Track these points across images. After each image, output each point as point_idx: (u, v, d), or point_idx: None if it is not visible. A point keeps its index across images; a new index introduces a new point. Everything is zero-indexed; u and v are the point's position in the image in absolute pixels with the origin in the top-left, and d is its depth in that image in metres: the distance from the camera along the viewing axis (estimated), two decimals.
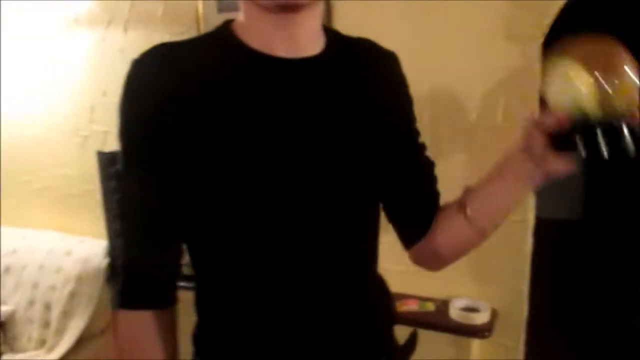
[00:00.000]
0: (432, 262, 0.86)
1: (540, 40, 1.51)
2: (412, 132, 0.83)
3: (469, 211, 0.77)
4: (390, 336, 0.85)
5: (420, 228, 0.82)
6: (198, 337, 0.80)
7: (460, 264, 1.66)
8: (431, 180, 0.84)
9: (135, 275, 0.71)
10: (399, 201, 0.82)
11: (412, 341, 0.88)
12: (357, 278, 0.79)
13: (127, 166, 0.70)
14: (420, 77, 1.60)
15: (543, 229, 1.75)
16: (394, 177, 0.79)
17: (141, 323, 0.71)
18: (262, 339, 0.73)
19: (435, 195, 0.84)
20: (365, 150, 0.73)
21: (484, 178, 0.77)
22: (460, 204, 0.78)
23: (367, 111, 0.74)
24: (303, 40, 0.69)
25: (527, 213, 1.61)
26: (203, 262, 0.75)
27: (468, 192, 0.78)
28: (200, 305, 0.79)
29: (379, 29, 1.60)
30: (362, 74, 0.75)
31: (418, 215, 0.82)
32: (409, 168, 0.81)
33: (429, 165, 0.84)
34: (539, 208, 1.66)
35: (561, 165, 0.69)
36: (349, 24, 1.69)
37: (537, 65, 1.52)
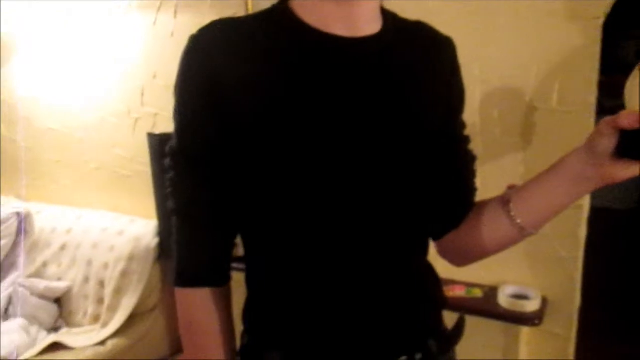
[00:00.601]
0: (457, 256, 0.85)
1: (602, 20, 1.44)
2: (458, 123, 0.81)
3: (512, 208, 0.72)
4: (439, 321, 0.83)
5: (451, 221, 0.80)
6: (248, 315, 0.80)
7: (511, 250, 1.64)
8: (469, 174, 0.82)
9: (190, 256, 0.73)
10: (433, 191, 0.79)
11: (459, 326, 0.85)
12: (406, 263, 0.78)
13: (181, 144, 0.69)
14: (472, 58, 1.58)
15: (597, 218, 1.69)
16: (434, 165, 0.77)
17: (199, 300, 0.73)
18: (311, 318, 0.74)
19: (471, 189, 0.82)
20: (418, 135, 0.73)
21: (536, 177, 0.72)
22: (504, 201, 0.73)
23: (421, 95, 0.74)
24: (362, 19, 0.68)
25: (583, 200, 1.55)
26: (255, 241, 0.75)
27: (513, 189, 0.74)
28: (251, 283, 0.79)
29: (429, 9, 1.57)
30: (418, 58, 0.74)
31: (450, 208, 0.80)
32: (448, 158, 0.78)
33: (470, 158, 0.82)
34: (594, 197, 1.60)
35: (624, 172, 0.62)
36: (399, 7, 1.66)
37: (597, 47, 1.46)
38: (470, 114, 1.59)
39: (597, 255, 1.73)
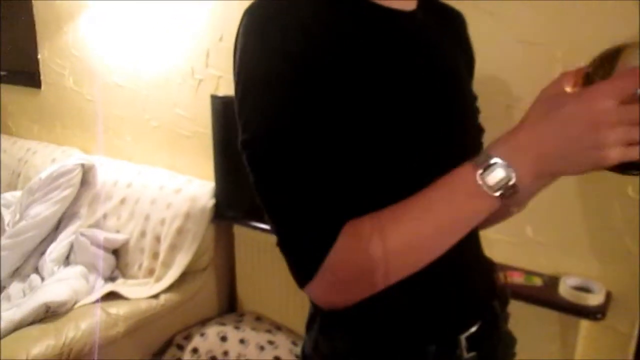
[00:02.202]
0: None
1: None
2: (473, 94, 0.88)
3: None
4: (496, 285, 0.86)
5: None
6: None
7: (575, 240, 1.59)
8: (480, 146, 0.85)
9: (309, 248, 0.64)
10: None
11: (505, 289, 0.88)
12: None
13: (279, 127, 0.61)
14: (554, 40, 1.50)
15: None
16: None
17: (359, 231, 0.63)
18: (392, 291, 0.72)
19: None
20: (469, 97, 0.83)
21: None
22: None
23: (458, 63, 0.82)
24: None
25: None
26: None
27: None
28: None
29: None
30: (444, 30, 0.81)
31: None
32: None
33: (481, 131, 0.87)
34: None
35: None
36: None
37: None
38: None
39: None
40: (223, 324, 2.11)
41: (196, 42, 2.20)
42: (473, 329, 0.76)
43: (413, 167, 0.68)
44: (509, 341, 0.89)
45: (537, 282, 1.57)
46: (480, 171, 0.57)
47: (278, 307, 2.15)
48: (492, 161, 0.56)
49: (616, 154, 0.53)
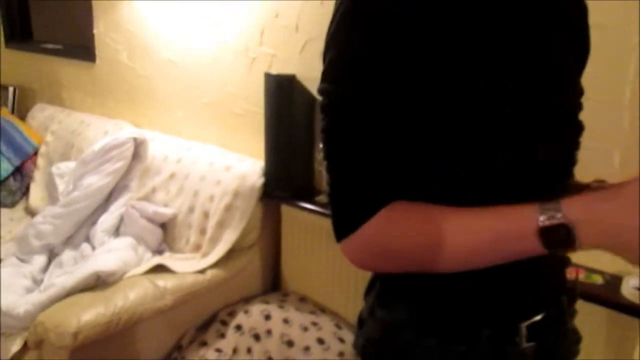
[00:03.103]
0: None
1: None
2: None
3: None
4: (566, 279, 0.84)
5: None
6: None
7: None
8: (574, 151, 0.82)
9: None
10: None
11: (575, 283, 0.86)
12: None
13: (359, 89, 0.63)
14: (622, 29, 1.41)
15: None
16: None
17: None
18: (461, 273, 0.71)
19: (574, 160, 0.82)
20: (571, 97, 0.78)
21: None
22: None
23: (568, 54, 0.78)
24: None
25: None
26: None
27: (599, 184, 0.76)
28: None
29: None
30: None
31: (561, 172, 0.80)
32: None
33: (579, 127, 0.83)
34: None
35: None
36: None
37: None
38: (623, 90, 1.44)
39: None
40: (267, 302, 2.12)
41: (251, 19, 2.18)
42: (536, 319, 0.75)
43: (487, 169, 0.67)
44: (574, 337, 0.87)
45: (598, 280, 1.51)
46: (543, 221, 0.57)
47: (322, 289, 2.14)
48: (559, 223, 0.56)
49: None
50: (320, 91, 0.67)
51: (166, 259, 2.11)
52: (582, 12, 0.80)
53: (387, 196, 0.63)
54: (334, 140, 0.66)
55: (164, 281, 1.97)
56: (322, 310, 2.09)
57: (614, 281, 1.50)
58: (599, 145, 1.45)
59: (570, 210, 0.56)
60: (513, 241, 0.60)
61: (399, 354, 0.76)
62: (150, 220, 2.24)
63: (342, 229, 0.66)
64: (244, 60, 2.25)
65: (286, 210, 2.19)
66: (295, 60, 2.06)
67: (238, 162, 2.18)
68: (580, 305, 1.48)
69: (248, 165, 2.15)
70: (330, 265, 2.04)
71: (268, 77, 1.97)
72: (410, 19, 0.60)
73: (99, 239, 2.22)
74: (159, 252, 2.24)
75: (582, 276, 1.51)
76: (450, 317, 0.73)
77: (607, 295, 1.46)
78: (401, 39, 0.61)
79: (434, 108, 0.63)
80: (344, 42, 0.65)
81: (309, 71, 2.01)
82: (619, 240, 0.56)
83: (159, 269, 2.04)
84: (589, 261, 1.57)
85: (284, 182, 2.06)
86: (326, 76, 0.66)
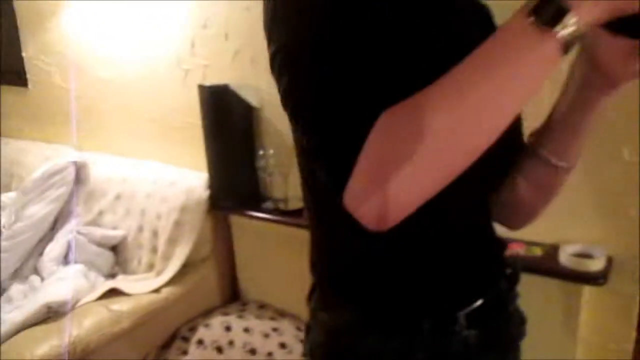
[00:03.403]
0: (509, 216, 0.84)
1: None
2: None
3: (540, 149, 0.72)
4: (504, 262, 0.85)
5: (506, 167, 0.79)
6: (321, 266, 0.79)
7: (573, 207, 1.58)
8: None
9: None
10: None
11: (516, 266, 0.86)
12: (482, 212, 0.80)
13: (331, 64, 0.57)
14: None
15: None
16: None
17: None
18: (397, 267, 0.72)
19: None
20: None
21: (550, 112, 0.71)
22: (532, 146, 0.73)
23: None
24: None
25: None
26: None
27: (536, 135, 0.74)
28: (326, 233, 0.77)
29: None
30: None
31: (506, 153, 0.76)
32: None
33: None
34: None
35: (624, 68, 0.58)
36: None
37: None
38: None
39: None
40: (227, 314, 2.11)
41: (180, 31, 2.16)
42: (474, 306, 0.75)
43: None
44: (517, 320, 0.87)
45: (538, 252, 1.57)
46: (531, 7, 0.47)
47: (281, 294, 2.15)
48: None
49: None
50: (274, 53, 0.60)
51: (120, 282, 2.08)
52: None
53: (370, 119, 0.54)
54: (300, 94, 0.60)
55: (119, 305, 1.93)
56: (282, 315, 2.09)
57: (553, 251, 1.56)
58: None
59: None
60: (517, 45, 0.49)
61: (344, 355, 0.77)
62: (100, 244, 2.19)
63: (341, 178, 0.55)
64: (178, 73, 2.23)
65: (235, 219, 2.19)
66: (228, 69, 2.06)
67: (182, 176, 2.16)
68: (524, 278, 1.55)
69: (192, 178, 2.13)
70: (286, 270, 2.04)
71: (202, 88, 1.96)
72: None
73: (47, 269, 2.17)
74: (111, 275, 2.20)
75: (522, 250, 1.57)
76: (390, 313, 0.74)
77: (548, 265, 1.52)
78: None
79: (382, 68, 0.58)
80: (290, 18, 0.60)
81: (243, 79, 2.01)
82: None
83: (114, 293, 2.00)
84: (528, 234, 1.63)
85: (229, 192, 2.05)
86: (280, 33, 0.60)
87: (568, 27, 0.46)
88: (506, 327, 0.83)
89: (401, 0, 0.63)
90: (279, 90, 0.62)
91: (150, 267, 2.15)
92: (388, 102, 0.53)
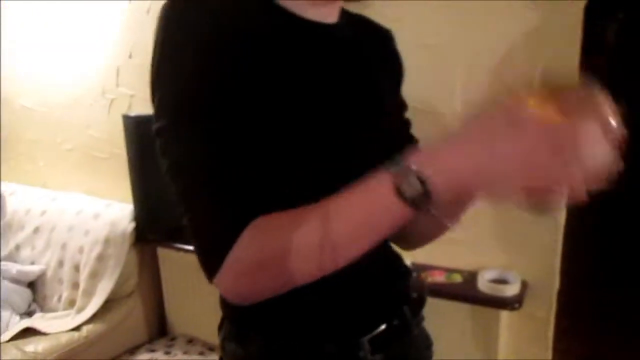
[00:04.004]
0: (403, 243, 0.89)
1: (584, 2, 1.42)
2: (402, 106, 0.88)
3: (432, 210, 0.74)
4: (408, 288, 0.86)
5: None
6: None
7: (490, 235, 1.65)
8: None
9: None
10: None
11: (422, 290, 0.88)
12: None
13: (195, 113, 0.60)
14: (453, 44, 1.55)
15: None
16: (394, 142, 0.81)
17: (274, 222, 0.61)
18: (298, 298, 0.72)
19: None
20: (387, 112, 0.82)
21: None
22: None
23: (383, 76, 0.82)
24: (336, 11, 0.74)
25: None
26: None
27: None
28: None
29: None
30: (371, 45, 0.82)
31: None
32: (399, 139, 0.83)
33: (412, 141, 0.87)
34: None
35: None
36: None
37: (579, 29, 1.44)
38: (452, 102, 1.57)
39: (575, 238, 1.73)
40: (153, 350, 2.04)
41: (106, 60, 2.12)
42: (377, 331, 0.77)
43: (327, 174, 0.67)
44: (423, 344, 0.89)
45: (458, 278, 1.62)
46: (397, 186, 0.54)
47: (210, 328, 2.07)
48: (410, 173, 0.53)
49: (556, 198, 0.50)
50: (157, 131, 0.62)
51: (36, 321, 1.97)
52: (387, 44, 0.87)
53: (246, 216, 0.59)
54: (181, 176, 0.62)
55: (33, 345, 1.83)
56: (211, 349, 2.04)
57: (472, 277, 1.62)
58: None
59: (413, 159, 0.54)
60: (382, 210, 0.56)
61: None
62: (15, 281, 2.08)
63: (211, 266, 0.60)
64: (103, 102, 2.18)
65: (163, 252, 2.14)
66: None
67: (106, 208, 2.10)
68: (445, 304, 1.59)
69: (117, 210, 2.07)
70: (215, 302, 1.98)
71: (126, 118, 1.93)
72: (229, 45, 0.61)
73: None
74: (28, 314, 2.08)
75: (442, 277, 1.61)
76: (295, 340, 0.75)
77: (467, 291, 1.57)
78: (223, 63, 0.60)
79: (268, 127, 0.63)
80: (170, 74, 0.62)
81: None
82: (501, 174, 0.51)
83: (29, 332, 1.90)
84: (447, 261, 1.69)
85: (156, 224, 2.00)
86: (159, 113, 0.62)
87: (423, 202, 0.54)
88: (411, 351, 0.85)
89: (285, 69, 0.66)
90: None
91: (71, 303, 2.05)
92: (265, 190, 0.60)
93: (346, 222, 0.58)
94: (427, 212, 0.55)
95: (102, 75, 2.15)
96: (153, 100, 0.64)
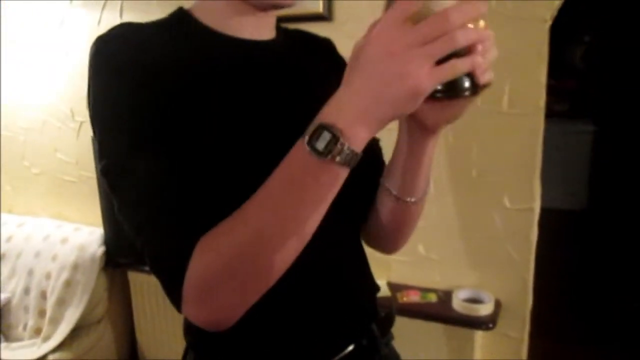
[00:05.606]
0: (379, 241, 0.88)
1: (549, 23, 1.46)
2: None
3: (385, 182, 0.76)
4: (376, 306, 0.86)
5: (365, 208, 0.83)
6: (191, 329, 0.77)
7: (464, 254, 1.66)
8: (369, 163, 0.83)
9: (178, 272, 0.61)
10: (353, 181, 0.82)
11: (391, 308, 0.88)
12: (346, 251, 0.81)
13: (135, 148, 0.61)
14: None
15: (548, 220, 1.71)
16: None
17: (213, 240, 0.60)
18: (262, 323, 0.71)
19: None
20: None
21: (392, 153, 0.75)
22: (385, 188, 0.77)
23: (324, 90, 0.79)
24: (269, 25, 0.75)
25: (533, 202, 1.56)
26: None
27: (385, 173, 0.78)
28: None
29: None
30: (310, 58, 0.82)
31: (366, 195, 0.82)
32: None
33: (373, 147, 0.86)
34: (544, 198, 1.62)
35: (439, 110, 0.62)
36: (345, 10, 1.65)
37: (546, 50, 1.47)
38: None
39: (548, 256, 1.75)
40: None
41: (74, 82, 2.09)
42: (346, 352, 0.76)
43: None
44: None
45: (432, 298, 1.61)
46: (307, 140, 0.52)
47: (181, 353, 2.05)
48: (316, 127, 0.52)
49: (427, 77, 0.49)
50: (102, 171, 0.63)
51: (1, 351, 1.89)
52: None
53: (191, 243, 0.59)
54: (129, 213, 0.62)
55: None
56: None
57: (447, 296, 1.62)
58: None
59: (321, 115, 0.54)
60: (303, 178, 0.55)
61: None
62: None
63: (174, 297, 0.61)
64: (72, 125, 2.14)
65: (134, 276, 2.09)
66: None
67: (75, 232, 2.05)
68: (420, 324, 1.59)
69: (86, 234, 2.02)
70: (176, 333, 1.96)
71: (95, 141, 1.89)
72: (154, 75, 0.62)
73: None
74: None
75: (417, 297, 1.61)
76: None
77: (441, 311, 1.57)
78: (149, 92, 0.61)
79: (207, 150, 0.63)
80: (106, 117, 0.63)
81: None
82: (376, 100, 0.51)
83: None
84: (422, 281, 1.69)
85: (126, 248, 1.96)
86: (102, 154, 0.63)
87: (343, 152, 0.51)
88: None
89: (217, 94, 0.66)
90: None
91: (37, 332, 1.99)
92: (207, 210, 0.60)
93: (277, 198, 0.56)
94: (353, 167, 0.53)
95: (70, 97, 2.11)
96: (95, 137, 0.65)
